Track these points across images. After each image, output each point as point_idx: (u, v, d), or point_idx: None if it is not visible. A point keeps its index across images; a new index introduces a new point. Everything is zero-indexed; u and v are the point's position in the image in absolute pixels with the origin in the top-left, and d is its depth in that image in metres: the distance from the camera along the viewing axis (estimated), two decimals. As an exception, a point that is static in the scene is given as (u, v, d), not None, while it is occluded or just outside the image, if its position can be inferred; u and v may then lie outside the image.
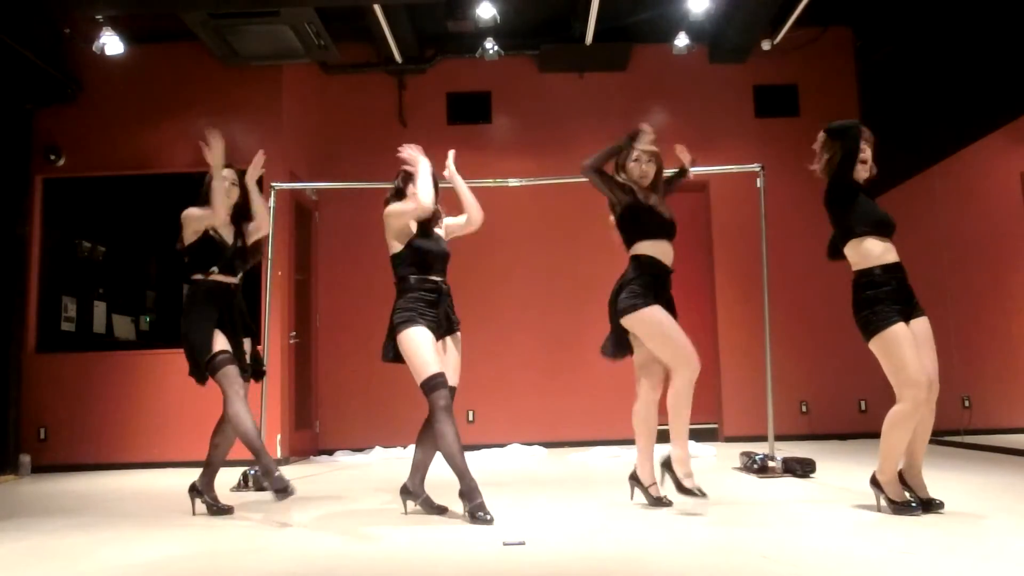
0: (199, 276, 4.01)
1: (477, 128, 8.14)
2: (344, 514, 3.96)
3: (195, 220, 4.05)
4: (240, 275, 4.15)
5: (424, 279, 3.85)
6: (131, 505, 4.53)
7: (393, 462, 6.86)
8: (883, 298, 3.48)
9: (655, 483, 3.78)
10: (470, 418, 7.67)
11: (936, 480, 4.52)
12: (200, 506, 4.01)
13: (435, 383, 3.56)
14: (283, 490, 3.61)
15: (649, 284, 3.74)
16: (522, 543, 3.01)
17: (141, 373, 6.82)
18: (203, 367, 3.86)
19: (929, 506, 3.45)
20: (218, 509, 3.98)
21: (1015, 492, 4.01)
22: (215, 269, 4.01)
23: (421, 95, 8.12)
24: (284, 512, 4.01)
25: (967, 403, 6.48)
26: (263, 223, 4.29)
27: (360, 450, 7.45)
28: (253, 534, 3.49)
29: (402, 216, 3.83)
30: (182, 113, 7.16)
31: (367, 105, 8.10)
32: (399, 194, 3.95)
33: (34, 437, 6.72)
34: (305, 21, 6.07)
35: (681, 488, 3.69)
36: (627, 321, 3.73)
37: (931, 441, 7.06)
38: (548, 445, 7.23)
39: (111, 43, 6.48)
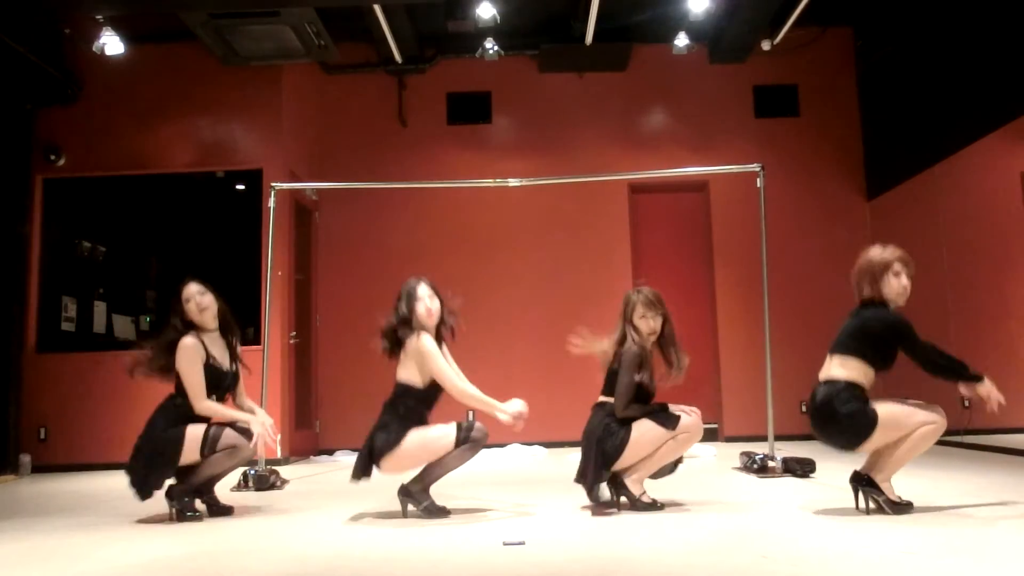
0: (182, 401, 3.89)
1: (477, 128, 8.14)
2: (344, 514, 3.96)
3: (193, 354, 3.86)
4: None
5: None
6: (131, 505, 4.52)
7: (393, 462, 6.85)
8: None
9: (645, 491, 3.77)
10: (470, 418, 7.66)
11: (936, 480, 4.52)
12: (204, 507, 3.98)
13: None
14: (183, 512, 3.78)
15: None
16: (522, 543, 3.01)
17: (141, 373, 6.81)
18: (157, 477, 3.88)
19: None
20: (218, 509, 3.98)
21: (1015, 492, 4.00)
22: (214, 397, 3.93)
23: (421, 95, 8.12)
24: (284, 512, 4.01)
25: (967, 403, 6.47)
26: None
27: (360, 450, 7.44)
28: (253, 534, 3.49)
29: (438, 371, 4.00)
30: (182, 113, 7.17)
31: (367, 105, 8.10)
32: (405, 322, 4.05)
33: (34, 437, 6.73)
34: (305, 21, 6.07)
35: (638, 505, 3.68)
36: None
37: (931, 441, 7.01)
38: (548, 445, 7.22)
39: (111, 43, 6.48)
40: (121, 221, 7.67)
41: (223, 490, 4.90)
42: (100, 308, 7.45)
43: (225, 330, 4.04)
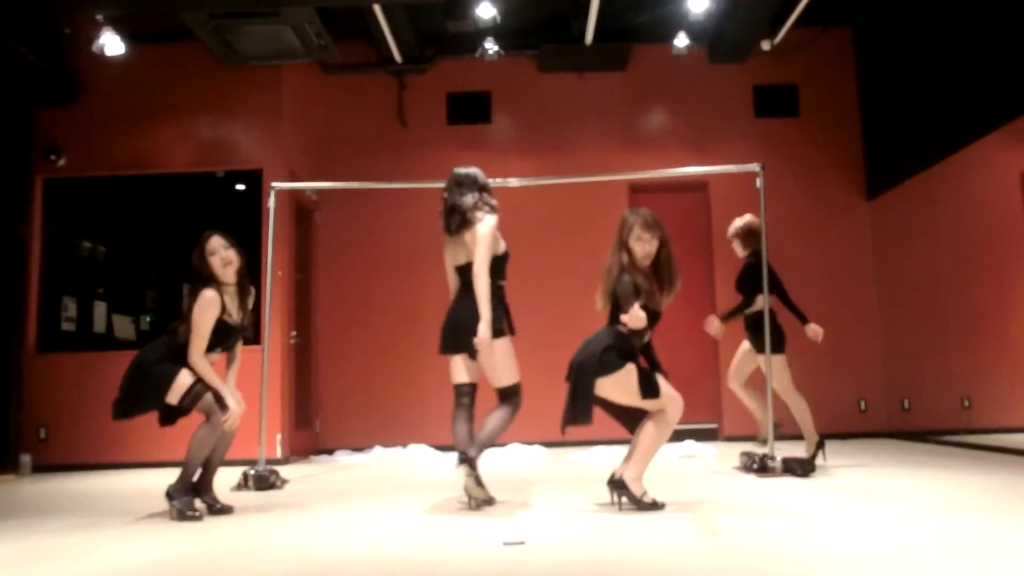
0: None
1: (477, 128, 8.14)
2: (344, 514, 3.96)
3: (209, 306, 3.92)
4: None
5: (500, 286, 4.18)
6: (131, 505, 4.52)
7: (393, 462, 6.86)
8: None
9: (645, 491, 3.74)
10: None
11: (936, 480, 4.52)
12: (204, 507, 3.98)
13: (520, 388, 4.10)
14: (183, 512, 3.80)
15: (629, 350, 3.71)
16: (522, 543, 3.01)
17: (141, 373, 6.82)
18: (144, 407, 3.92)
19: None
20: (218, 509, 3.98)
21: (1015, 492, 4.00)
22: (218, 350, 4.03)
23: (421, 95, 8.12)
24: (284, 512, 4.01)
25: (967, 403, 6.48)
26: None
27: (360, 450, 7.45)
28: (253, 534, 3.49)
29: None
30: (182, 113, 7.17)
31: (367, 105, 8.10)
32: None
33: (34, 437, 6.73)
34: (305, 21, 6.07)
35: (641, 505, 3.66)
36: (607, 381, 3.66)
37: (931, 441, 7.09)
38: (548, 445, 7.22)
39: (111, 43, 6.48)
40: (121, 221, 7.67)
41: (223, 490, 4.91)
42: (100, 308, 7.44)
43: (242, 286, 4.08)
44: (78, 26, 6.97)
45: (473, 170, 4.34)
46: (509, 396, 4.10)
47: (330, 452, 7.49)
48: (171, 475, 3.94)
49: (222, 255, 3.97)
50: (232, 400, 3.94)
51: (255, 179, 7.01)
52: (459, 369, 4.22)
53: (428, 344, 8.38)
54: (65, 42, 7.08)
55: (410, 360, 7.75)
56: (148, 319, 7.93)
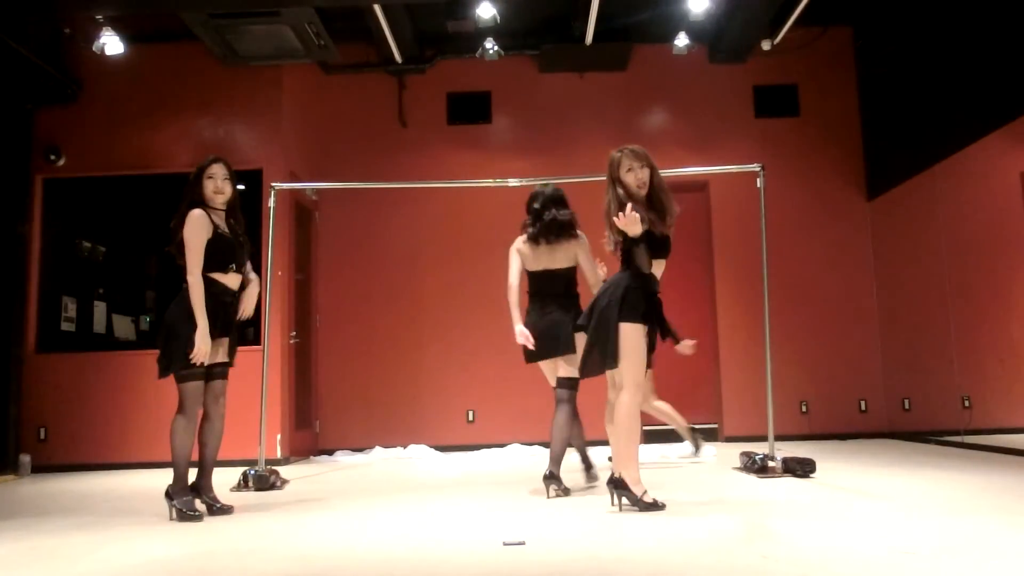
0: (216, 275, 3.94)
1: (477, 128, 8.14)
2: (344, 514, 3.96)
3: (197, 224, 3.93)
4: (244, 271, 4.12)
5: None
6: (131, 505, 4.52)
7: (393, 462, 6.86)
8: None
9: (645, 491, 3.73)
10: (470, 418, 7.68)
11: (936, 480, 4.52)
12: (204, 507, 3.96)
13: None
14: (183, 512, 3.79)
15: (648, 301, 3.73)
16: (522, 543, 3.01)
17: (141, 373, 6.80)
18: (174, 367, 3.86)
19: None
20: (219, 509, 3.97)
21: (1015, 492, 4.00)
22: (233, 267, 3.98)
23: (421, 95, 8.12)
24: (284, 512, 4.01)
25: (967, 403, 6.47)
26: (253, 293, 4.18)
27: (360, 450, 7.45)
28: (253, 534, 3.49)
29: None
30: (182, 113, 7.17)
31: (367, 105, 8.10)
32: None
33: (34, 437, 6.73)
34: (305, 21, 6.07)
35: (640, 505, 3.65)
36: (627, 328, 3.68)
37: (931, 441, 7.10)
38: (548, 445, 7.21)
39: (111, 43, 6.49)
40: (121, 221, 7.67)
41: (223, 490, 4.91)
42: (100, 308, 7.45)
43: (231, 215, 4.07)
44: (78, 26, 6.97)
45: (560, 189, 4.72)
46: (574, 386, 4.49)
47: (330, 452, 7.49)
48: (170, 476, 3.94)
49: (218, 184, 4.00)
50: (201, 337, 3.79)
51: (255, 179, 7.00)
52: (554, 370, 4.59)
53: (428, 344, 8.42)
54: (65, 42, 7.08)
55: (410, 360, 7.76)
56: (148, 319, 7.94)
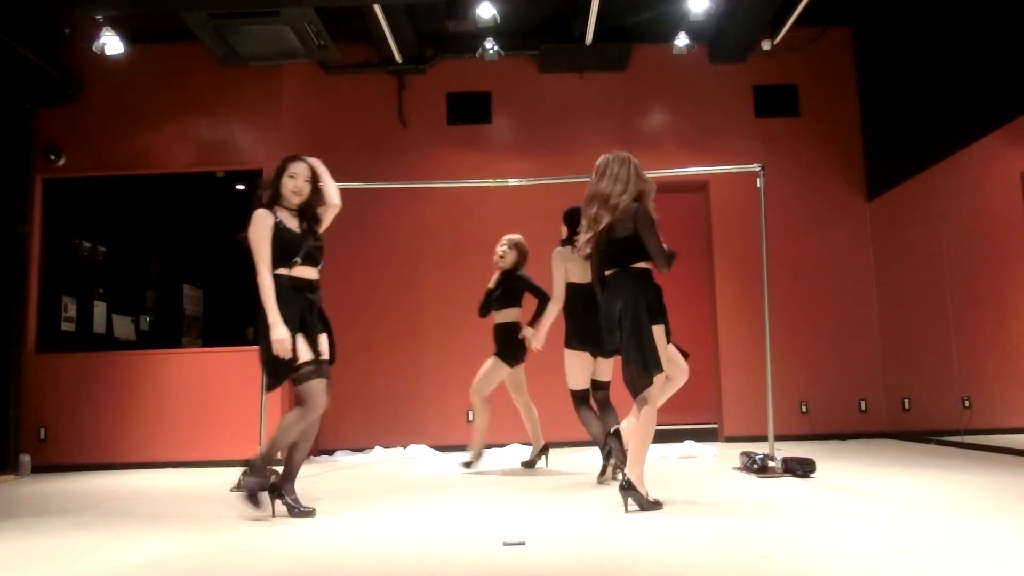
0: (282, 271, 3.84)
1: (477, 128, 8.14)
2: (344, 514, 3.96)
3: (260, 223, 3.84)
4: (319, 268, 4.04)
5: None
6: (131, 505, 4.53)
7: (393, 462, 6.86)
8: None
9: (647, 491, 3.74)
10: (470, 418, 7.67)
11: (936, 480, 4.52)
12: (280, 507, 3.90)
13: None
14: (253, 497, 3.75)
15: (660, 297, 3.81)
16: (522, 543, 3.01)
17: (141, 373, 6.82)
18: (285, 374, 3.77)
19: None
20: (300, 511, 3.87)
21: (1015, 492, 4.00)
22: (298, 260, 3.86)
23: (421, 95, 8.12)
24: (284, 512, 4.00)
25: (967, 403, 6.47)
26: (333, 197, 4.12)
27: (360, 450, 7.45)
28: (253, 534, 3.49)
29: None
30: (182, 113, 7.17)
31: (367, 105, 8.10)
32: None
33: (34, 437, 6.73)
34: (305, 21, 6.07)
35: (645, 505, 3.66)
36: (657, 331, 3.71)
37: (931, 441, 7.09)
38: (548, 445, 7.21)
39: (111, 43, 6.48)
40: (121, 221, 7.67)
41: (223, 490, 4.91)
42: (100, 308, 7.45)
43: (304, 216, 3.99)
44: (78, 26, 6.97)
45: None
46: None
47: (330, 452, 7.49)
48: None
49: (299, 185, 3.93)
50: (281, 327, 3.69)
51: (255, 179, 7.00)
52: (607, 368, 4.92)
53: (428, 344, 8.40)
54: (65, 42, 7.08)
55: (410, 360, 7.76)
56: (148, 319, 7.94)
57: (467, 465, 5.89)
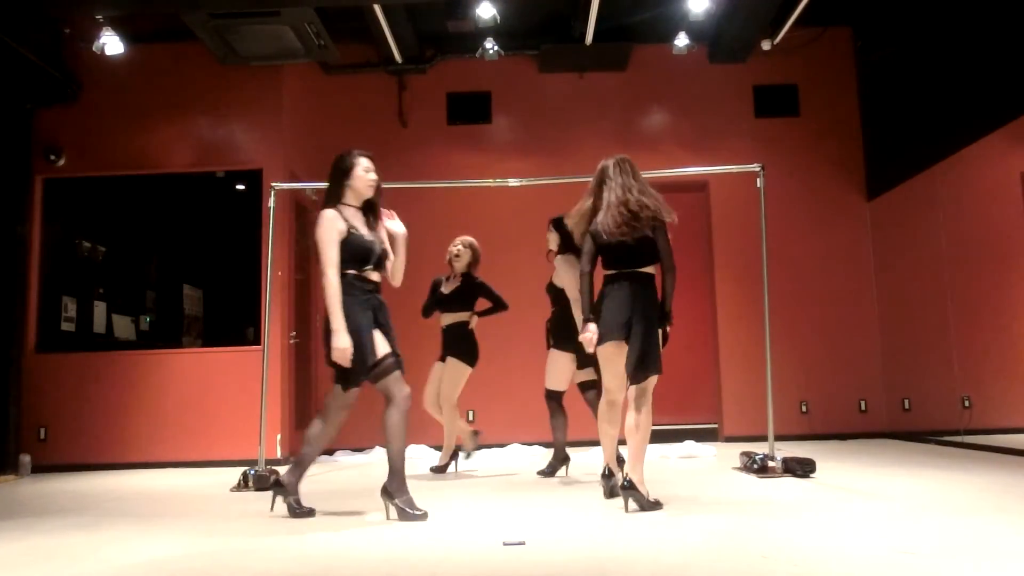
0: (352, 272, 3.79)
1: (477, 128, 8.14)
2: (344, 514, 3.96)
3: (329, 225, 3.80)
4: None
5: None
6: (131, 505, 4.53)
7: (393, 462, 6.86)
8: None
9: (647, 491, 3.74)
10: (470, 418, 7.68)
11: (936, 480, 4.52)
12: (280, 505, 3.90)
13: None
14: (404, 511, 3.73)
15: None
16: (522, 543, 3.01)
17: (141, 373, 6.82)
18: (367, 371, 3.72)
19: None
20: (300, 511, 3.86)
21: (1015, 492, 4.00)
22: (369, 267, 3.82)
23: (421, 95, 8.13)
24: (283, 512, 4.00)
25: (967, 403, 6.48)
26: (396, 277, 4.09)
27: (360, 450, 7.45)
28: (253, 534, 3.49)
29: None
30: (182, 113, 7.17)
31: (367, 105, 8.10)
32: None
33: (34, 437, 6.73)
34: (305, 21, 6.07)
35: (646, 506, 3.66)
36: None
37: (931, 441, 7.09)
38: (548, 445, 7.22)
39: (111, 43, 6.48)
40: (121, 221, 7.67)
41: (223, 490, 4.91)
42: (100, 308, 7.45)
43: (367, 210, 3.97)
44: (78, 26, 6.97)
45: None
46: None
47: (330, 452, 7.48)
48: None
49: (374, 176, 3.94)
50: (343, 335, 3.62)
51: (255, 179, 7.01)
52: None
53: (428, 344, 8.41)
54: (65, 42, 7.08)
55: (409, 360, 7.73)
56: (148, 319, 7.94)
57: (467, 456, 5.91)
